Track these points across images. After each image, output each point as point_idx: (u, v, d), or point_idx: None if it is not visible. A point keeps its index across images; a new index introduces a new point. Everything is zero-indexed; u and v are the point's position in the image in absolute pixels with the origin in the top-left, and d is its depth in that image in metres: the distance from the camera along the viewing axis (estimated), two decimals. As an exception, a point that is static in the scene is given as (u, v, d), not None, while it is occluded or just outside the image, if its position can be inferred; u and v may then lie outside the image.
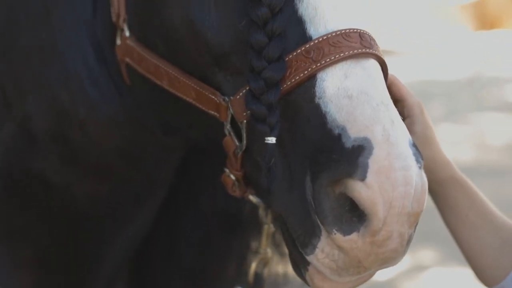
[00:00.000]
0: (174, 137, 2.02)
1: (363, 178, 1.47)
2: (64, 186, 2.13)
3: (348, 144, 1.50)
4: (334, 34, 1.56)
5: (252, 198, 1.81)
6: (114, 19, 1.92)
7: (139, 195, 2.20)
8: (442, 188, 1.87)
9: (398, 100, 1.83)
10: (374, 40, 1.61)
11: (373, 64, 1.59)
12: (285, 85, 1.57)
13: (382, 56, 1.61)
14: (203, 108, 1.73)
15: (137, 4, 1.85)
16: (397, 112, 1.57)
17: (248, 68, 1.60)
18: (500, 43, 13.24)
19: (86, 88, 2.02)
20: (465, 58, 12.07)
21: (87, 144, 2.07)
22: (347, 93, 1.53)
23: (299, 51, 1.56)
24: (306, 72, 1.55)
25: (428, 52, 12.41)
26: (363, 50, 1.56)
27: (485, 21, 14.57)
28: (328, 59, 1.54)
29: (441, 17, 14.66)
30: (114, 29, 1.94)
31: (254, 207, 1.99)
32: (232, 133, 1.67)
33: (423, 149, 1.66)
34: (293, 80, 1.56)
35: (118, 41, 1.93)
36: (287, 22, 1.58)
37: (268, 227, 2.00)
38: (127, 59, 1.90)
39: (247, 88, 1.61)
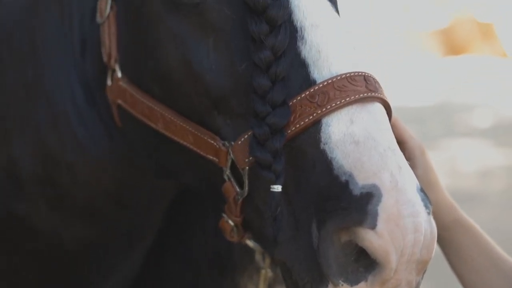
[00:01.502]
0: (166, 179, 1.95)
1: (373, 227, 1.42)
2: (51, 231, 2.05)
3: (356, 191, 1.44)
4: (339, 77, 1.51)
5: (249, 243, 1.76)
6: (105, 59, 1.85)
7: (128, 238, 2.13)
8: (447, 232, 1.82)
9: (399, 143, 1.78)
10: (378, 83, 1.57)
11: (378, 108, 1.54)
12: (289, 131, 1.51)
13: (387, 99, 1.57)
14: (201, 153, 1.66)
15: (130, 44, 1.79)
16: (403, 157, 1.53)
17: (251, 113, 1.54)
18: (468, 68, 13.37)
19: (74, 129, 1.95)
20: (435, 84, 12.16)
21: (75, 187, 1.99)
22: (353, 139, 1.48)
23: (303, 95, 1.51)
24: (311, 117, 1.49)
25: (397, 78, 12.48)
26: (369, 94, 1.51)
27: (453, 47, 14.72)
28: (334, 104, 1.49)
29: (410, 44, 14.78)
30: (104, 69, 1.87)
31: (245, 248, 1.93)
32: (232, 179, 1.60)
33: None
34: (297, 125, 1.50)
35: (109, 82, 1.86)
36: (290, 65, 1.53)
37: (266, 272, 1.93)
38: (119, 101, 1.83)
39: (250, 133, 1.55)
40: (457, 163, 8.23)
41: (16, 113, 2.03)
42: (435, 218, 1.67)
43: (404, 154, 1.79)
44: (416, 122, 9.69)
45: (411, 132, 1.85)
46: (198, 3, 1.60)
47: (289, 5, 1.55)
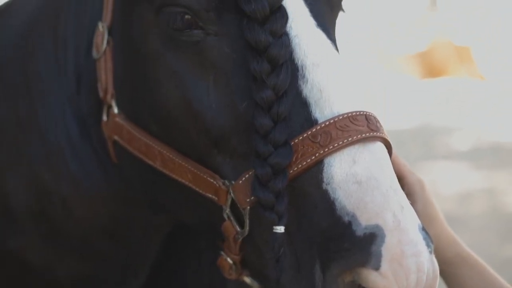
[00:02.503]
0: (163, 215, 1.92)
1: (377, 267, 1.41)
2: (44, 266, 2.02)
3: (359, 232, 1.43)
4: (341, 117, 1.50)
5: (247, 280, 1.73)
6: (101, 95, 1.83)
7: (122, 273, 2.09)
8: (449, 267, 1.80)
9: (398, 178, 1.77)
10: (379, 122, 1.56)
11: (380, 147, 1.53)
12: (291, 171, 1.49)
13: (388, 138, 1.56)
14: (200, 191, 1.64)
15: (127, 80, 1.77)
16: (405, 196, 1.52)
17: (252, 153, 1.52)
18: (447, 91, 13.44)
19: (69, 164, 1.92)
20: (413, 107, 12.19)
21: (70, 221, 1.97)
22: (356, 179, 1.47)
23: (305, 135, 1.49)
24: (313, 157, 1.48)
25: (376, 101, 12.52)
26: (371, 133, 1.50)
27: (432, 70, 14.81)
28: (336, 144, 1.47)
29: (388, 67, 14.86)
30: (100, 104, 1.85)
31: (240, 282, 1.91)
32: (232, 218, 1.58)
33: (425, 227, 1.61)
34: (300, 165, 1.48)
35: (105, 117, 1.84)
36: (291, 104, 1.52)
37: None
38: (115, 137, 1.80)
39: (251, 173, 1.53)
40: (437, 186, 8.23)
41: (9, 146, 2.00)
42: (437, 253, 1.67)
43: (404, 190, 1.79)
44: (395, 144, 9.64)
45: (409, 167, 1.85)
46: (198, 41, 1.59)
47: (290, 44, 1.54)
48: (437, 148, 9.91)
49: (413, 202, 1.77)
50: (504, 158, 9.23)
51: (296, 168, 1.49)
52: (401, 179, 1.79)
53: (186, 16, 1.58)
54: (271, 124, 1.49)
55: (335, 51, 1.62)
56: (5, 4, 2.23)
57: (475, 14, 16.44)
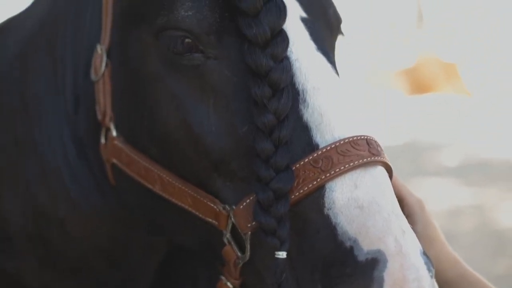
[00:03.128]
0: (160, 238, 1.91)
1: None
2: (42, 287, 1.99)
3: (361, 257, 1.42)
4: (342, 142, 1.49)
5: None
6: (99, 117, 1.81)
7: (120, 295, 2.07)
8: (450, 287, 1.79)
9: (398, 199, 1.76)
10: (380, 146, 1.55)
11: (381, 172, 1.52)
12: (293, 196, 1.47)
13: (388, 162, 1.55)
14: (200, 215, 1.62)
15: (125, 103, 1.75)
16: (406, 220, 1.51)
17: (253, 177, 1.51)
18: (434, 107, 13.48)
19: (66, 185, 1.90)
20: (401, 123, 12.21)
21: (67, 244, 1.95)
22: (357, 204, 1.45)
23: (306, 160, 1.48)
24: (315, 182, 1.46)
25: (364, 117, 12.53)
26: (372, 158, 1.49)
27: (419, 86, 14.86)
28: (338, 169, 1.46)
29: (376, 83, 14.90)
30: (98, 126, 1.83)
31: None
32: (232, 243, 1.56)
33: (425, 248, 1.59)
34: (301, 191, 1.47)
35: (103, 140, 1.82)
36: (292, 129, 1.50)
37: None
38: (114, 160, 1.79)
39: (252, 198, 1.51)
40: (427, 203, 8.22)
41: (6, 167, 1.98)
42: (438, 274, 1.65)
43: (404, 211, 1.77)
44: (384, 161, 9.70)
45: (409, 188, 1.83)
46: (198, 65, 1.58)
47: (291, 68, 1.53)
48: (426, 165, 9.91)
49: (413, 223, 1.76)
50: (493, 174, 9.24)
51: (297, 193, 1.47)
52: (401, 200, 1.77)
53: (187, 40, 1.57)
54: (273, 149, 1.48)
55: (335, 75, 1.61)
56: (7, 21, 2.21)
57: (461, 31, 16.53)
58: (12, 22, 2.17)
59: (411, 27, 17.74)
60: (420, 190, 8.54)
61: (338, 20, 1.77)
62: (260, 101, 1.50)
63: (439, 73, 15.01)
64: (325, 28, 1.70)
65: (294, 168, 1.48)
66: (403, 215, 1.51)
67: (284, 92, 1.50)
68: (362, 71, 15.31)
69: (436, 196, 8.40)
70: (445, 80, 14.99)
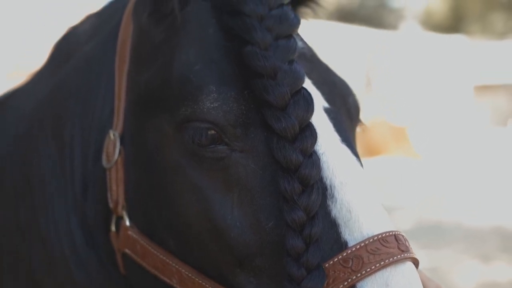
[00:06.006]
0: None
1: None
2: None
3: None
4: (371, 240, 1.42)
5: None
6: (111, 205, 1.71)
7: None
8: None
9: None
10: (407, 240, 1.49)
11: (411, 268, 1.45)
12: None
13: (416, 257, 1.49)
14: None
15: (140, 192, 1.65)
16: None
17: (282, 275, 1.42)
18: (384, 170, 13.57)
19: (73, 273, 1.79)
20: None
21: None
22: None
23: (336, 259, 1.40)
24: (346, 283, 1.39)
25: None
26: (402, 255, 1.43)
27: (369, 149, 14.98)
28: (369, 269, 1.39)
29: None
30: (108, 214, 1.73)
31: None
32: None
33: None
34: None
35: (113, 228, 1.72)
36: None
37: None
38: (127, 250, 1.68)
39: None
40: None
41: (9, 253, 1.88)
42: None
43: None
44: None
45: (436, 281, 1.78)
46: (223, 157, 1.50)
47: (320, 163, 1.48)
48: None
49: None
50: (446, 236, 9.28)
51: None
52: None
53: (211, 132, 1.50)
54: (304, 247, 1.40)
55: (361, 168, 1.56)
56: (6, 95, 2.11)
57: (409, 95, 16.78)
58: (13, 97, 2.07)
59: (360, 93, 17.96)
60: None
61: (357, 109, 1.73)
62: (289, 196, 1.42)
63: (388, 136, 15.18)
64: (346, 117, 1.65)
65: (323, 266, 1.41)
66: None
67: (314, 188, 1.43)
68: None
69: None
70: (395, 143, 15.15)
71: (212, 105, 1.50)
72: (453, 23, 35.42)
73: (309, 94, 1.49)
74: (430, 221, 10.06)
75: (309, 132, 1.46)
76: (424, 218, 10.20)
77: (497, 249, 8.87)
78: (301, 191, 1.43)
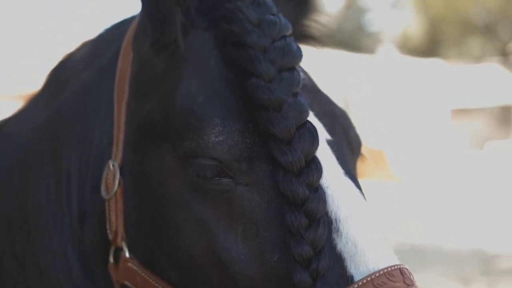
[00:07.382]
0: None
1: None
2: None
3: None
4: (377, 274, 1.41)
5: None
6: (110, 237, 1.68)
7: None
8: None
9: None
10: (411, 274, 1.48)
11: None
12: None
13: None
14: None
15: (141, 224, 1.63)
16: None
17: None
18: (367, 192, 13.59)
19: None
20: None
21: None
22: None
23: None
24: None
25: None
26: None
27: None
28: None
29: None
30: (106, 244, 1.70)
31: None
32: None
33: None
34: None
35: (111, 259, 1.68)
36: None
37: None
38: (126, 282, 1.65)
39: None
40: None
41: (6, 283, 1.84)
42: None
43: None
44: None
45: None
46: (228, 190, 1.48)
47: (326, 197, 1.47)
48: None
49: None
50: (426, 259, 9.29)
51: None
52: None
53: (215, 167, 1.49)
54: (310, 282, 1.39)
55: (364, 200, 1.55)
56: (0, 123, 2.07)
57: (387, 119, 16.87)
58: (7, 125, 2.03)
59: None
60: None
61: (359, 144, 1.72)
62: (295, 231, 1.41)
63: (370, 160, 15.24)
64: (348, 149, 1.64)
65: None
66: None
67: (321, 222, 1.42)
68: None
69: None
70: (373, 166, 15.19)
71: (217, 139, 1.48)
72: (430, 47, 35.73)
73: (314, 127, 1.48)
74: (409, 245, 10.07)
75: (314, 166, 1.45)
76: (403, 242, 10.20)
77: (476, 272, 8.90)
78: (307, 225, 1.42)
